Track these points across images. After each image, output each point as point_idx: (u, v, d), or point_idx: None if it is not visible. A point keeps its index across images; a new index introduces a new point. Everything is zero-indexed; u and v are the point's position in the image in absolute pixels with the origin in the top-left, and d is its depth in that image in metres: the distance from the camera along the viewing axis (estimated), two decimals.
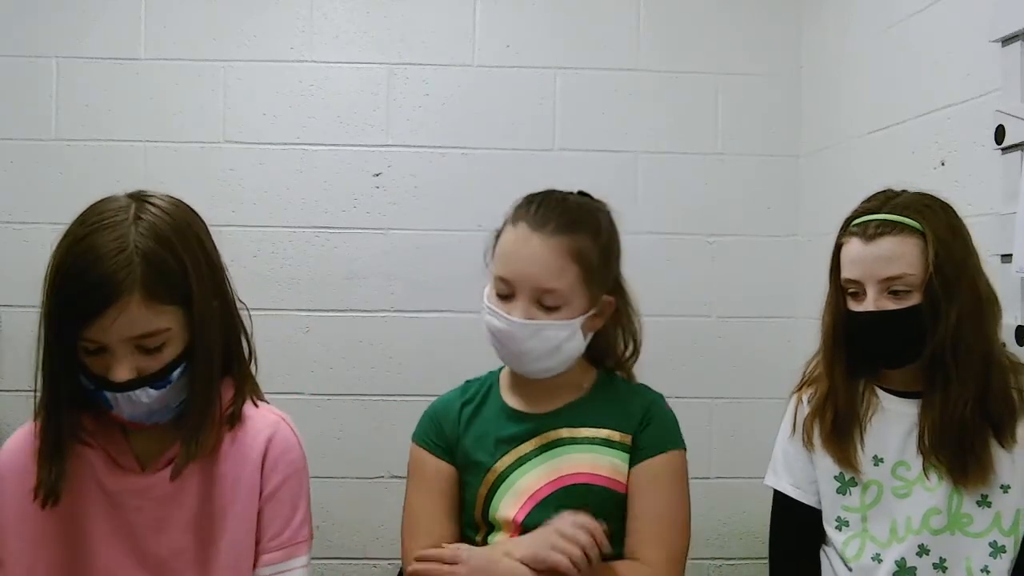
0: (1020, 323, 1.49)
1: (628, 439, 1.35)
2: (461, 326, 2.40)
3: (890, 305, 1.30)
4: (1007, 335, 1.48)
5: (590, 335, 1.38)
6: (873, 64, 2.09)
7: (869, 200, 1.38)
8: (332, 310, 2.40)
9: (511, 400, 1.41)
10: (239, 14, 2.39)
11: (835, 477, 1.39)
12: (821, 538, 1.42)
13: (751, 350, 2.43)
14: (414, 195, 2.42)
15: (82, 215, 1.10)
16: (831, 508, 1.39)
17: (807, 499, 1.42)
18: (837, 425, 1.38)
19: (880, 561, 1.34)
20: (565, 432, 1.36)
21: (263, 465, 1.17)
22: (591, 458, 1.34)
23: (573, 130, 2.44)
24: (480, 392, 1.45)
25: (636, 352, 1.46)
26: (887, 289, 1.30)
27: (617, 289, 1.43)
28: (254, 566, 1.16)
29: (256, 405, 1.23)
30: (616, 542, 1.31)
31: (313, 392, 2.38)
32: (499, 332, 1.32)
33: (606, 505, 1.32)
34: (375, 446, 2.39)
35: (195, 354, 1.11)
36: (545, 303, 1.30)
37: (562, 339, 1.31)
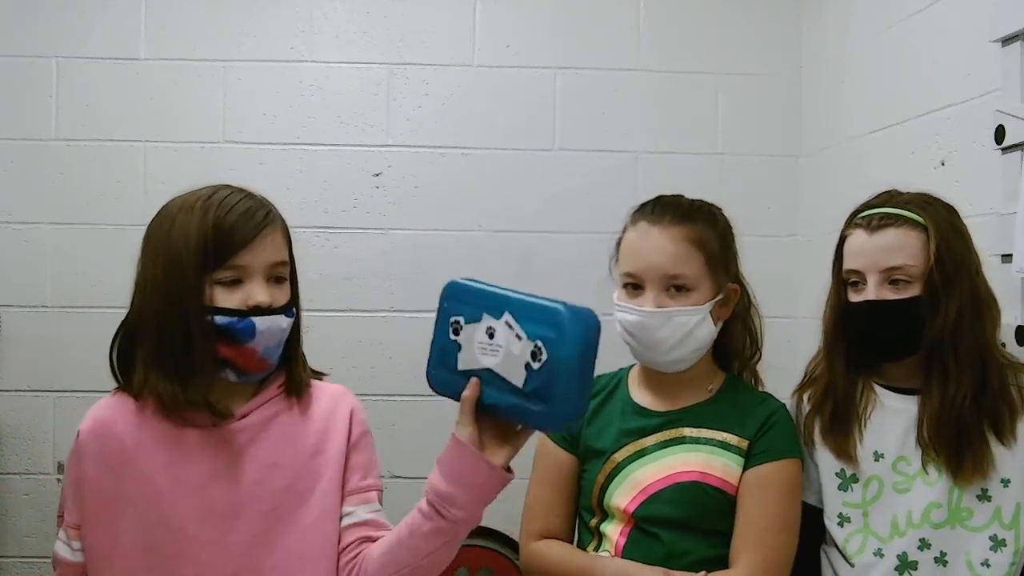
0: (1020, 323, 1.49)
1: (745, 444, 1.38)
2: None
3: (890, 295, 1.32)
4: (1007, 335, 1.49)
5: (720, 324, 1.41)
6: (873, 64, 2.09)
7: (874, 197, 1.41)
8: (332, 310, 2.40)
9: (639, 397, 1.46)
10: (239, 14, 2.39)
11: (836, 474, 1.39)
12: (820, 536, 1.43)
13: None
14: (414, 195, 2.42)
15: (176, 200, 1.21)
16: (833, 504, 1.40)
17: (808, 497, 1.43)
18: (836, 417, 1.39)
19: (882, 556, 1.34)
20: (687, 431, 1.40)
21: (350, 427, 1.28)
22: (704, 458, 1.37)
23: (573, 130, 2.44)
24: (609, 386, 1.50)
25: (757, 349, 1.50)
26: (888, 279, 1.32)
27: (738, 283, 1.45)
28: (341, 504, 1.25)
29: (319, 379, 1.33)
30: (723, 543, 1.35)
31: None
32: (632, 324, 1.37)
33: (716, 505, 1.36)
34: (375, 446, 2.39)
35: (294, 304, 1.22)
36: (675, 288, 1.35)
37: (693, 325, 1.35)
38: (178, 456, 1.19)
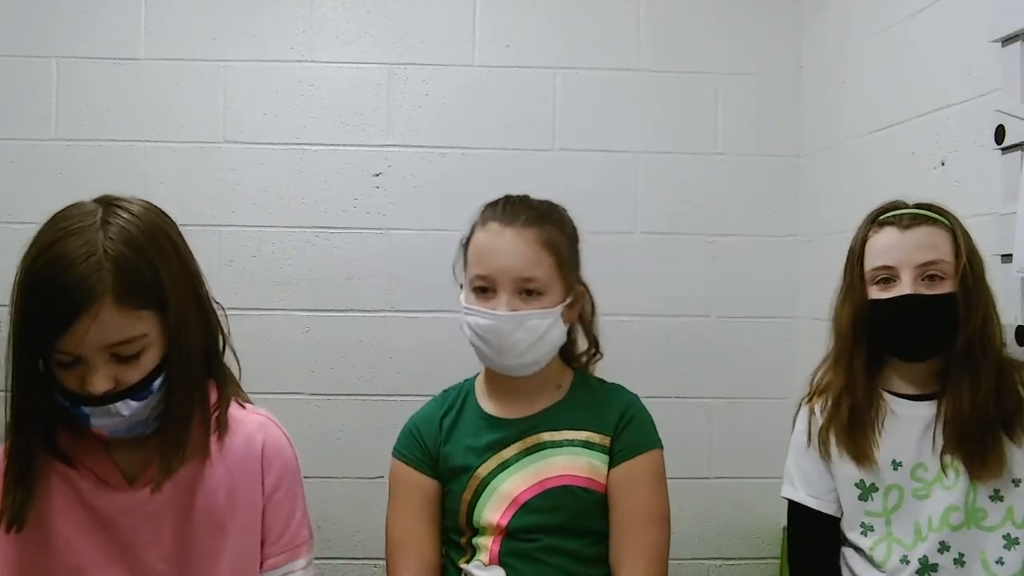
0: (1020, 323, 1.49)
1: (607, 441, 1.37)
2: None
3: (925, 291, 1.32)
4: (1007, 335, 1.49)
5: (568, 326, 1.41)
6: (873, 64, 2.08)
7: (886, 204, 1.42)
8: (332, 310, 2.40)
9: (489, 406, 1.43)
10: (239, 14, 2.39)
11: (856, 484, 1.40)
12: (840, 545, 1.43)
13: (751, 350, 2.42)
14: (414, 195, 2.42)
15: (49, 221, 1.07)
16: (854, 515, 1.41)
17: (826, 508, 1.43)
18: (853, 419, 1.39)
19: (908, 563, 1.36)
20: (546, 436, 1.38)
21: (261, 469, 1.16)
22: (568, 460, 1.36)
23: (573, 130, 2.43)
24: (457, 401, 1.47)
25: (597, 349, 1.49)
26: (923, 275, 1.33)
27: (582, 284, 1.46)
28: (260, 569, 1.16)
29: (243, 407, 1.21)
30: (599, 541, 1.35)
31: (313, 392, 2.38)
32: (484, 329, 1.34)
33: (587, 505, 1.35)
34: (375, 446, 2.38)
35: (174, 361, 1.06)
36: (527, 292, 1.33)
37: (546, 328, 1.34)
38: (97, 525, 1.09)
